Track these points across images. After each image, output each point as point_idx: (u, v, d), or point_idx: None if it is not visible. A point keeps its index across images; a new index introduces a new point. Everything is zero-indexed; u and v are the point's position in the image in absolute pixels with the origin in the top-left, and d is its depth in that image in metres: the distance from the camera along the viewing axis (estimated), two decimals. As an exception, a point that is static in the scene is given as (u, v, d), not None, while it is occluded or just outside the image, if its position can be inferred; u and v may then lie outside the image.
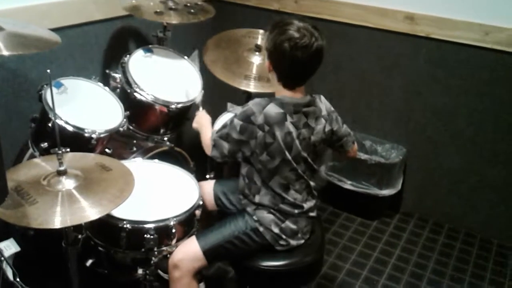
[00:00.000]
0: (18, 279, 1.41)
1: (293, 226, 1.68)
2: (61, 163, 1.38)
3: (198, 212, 1.74)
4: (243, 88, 2.25)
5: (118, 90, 2.05)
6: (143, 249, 1.62)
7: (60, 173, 1.38)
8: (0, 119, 1.98)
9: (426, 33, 2.49)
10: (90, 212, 1.29)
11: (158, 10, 2.15)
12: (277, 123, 1.54)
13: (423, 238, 2.68)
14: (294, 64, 1.53)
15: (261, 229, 1.67)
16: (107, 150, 1.90)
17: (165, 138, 2.19)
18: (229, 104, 2.20)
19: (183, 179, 1.87)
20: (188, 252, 1.65)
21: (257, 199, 1.67)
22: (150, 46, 2.23)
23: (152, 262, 1.68)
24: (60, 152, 1.37)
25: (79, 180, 1.38)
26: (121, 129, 1.89)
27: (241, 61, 2.34)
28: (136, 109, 2.02)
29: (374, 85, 2.74)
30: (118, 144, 2.02)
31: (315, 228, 1.81)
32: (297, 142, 1.58)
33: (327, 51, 1.55)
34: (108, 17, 2.31)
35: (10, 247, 1.57)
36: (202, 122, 1.88)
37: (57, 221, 1.24)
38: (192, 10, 2.24)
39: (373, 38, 2.65)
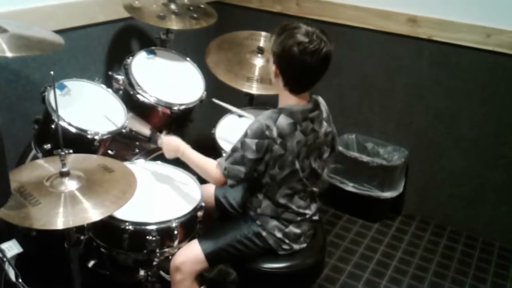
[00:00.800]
0: (20, 280, 1.41)
1: (297, 230, 1.68)
2: (64, 164, 1.38)
3: (200, 214, 1.74)
4: (245, 90, 2.26)
5: (121, 91, 2.06)
6: (145, 251, 1.62)
7: (63, 174, 1.38)
8: (4, 120, 1.98)
9: (428, 35, 2.49)
10: (92, 213, 1.29)
11: (160, 14, 2.15)
12: (289, 134, 1.52)
13: (425, 241, 2.67)
14: (303, 69, 1.49)
15: (264, 233, 1.66)
16: (109, 151, 1.90)
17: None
18: (214, 100, 2.15)
19: (185, 181, 1.87)
20: (190, 255, 1.65)
21: (259, 211, 1.67)
22: (152, 48, 2.23)
23: (154, 263, 1.68)
24: (63, 153, 1.38)
25: (81, 181, 1.39)
26: (123, 130, 1.89)
27: (244, 63, 2.35)
28: (138, 110, 2.03)
29: (376, 87, 2.74)
30: (120, 145, 2.02)
31: (316, 230, 1.81)
32: (305, 148, 1.56)
33: (329, 53, 1.54)
34: (111, 19, 2.32)
35: (12, 248, 1.56)
36: (175, 146, 1.74)
37: (60, 222, 1.24)
38: (194, 15, 2.24)
39: (375, 40, 2.65)
